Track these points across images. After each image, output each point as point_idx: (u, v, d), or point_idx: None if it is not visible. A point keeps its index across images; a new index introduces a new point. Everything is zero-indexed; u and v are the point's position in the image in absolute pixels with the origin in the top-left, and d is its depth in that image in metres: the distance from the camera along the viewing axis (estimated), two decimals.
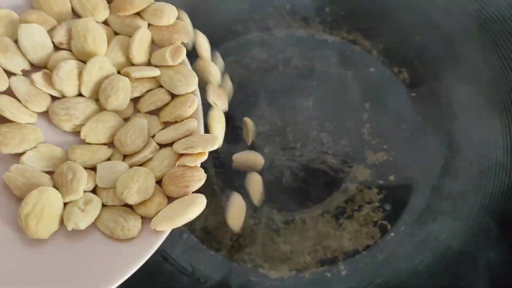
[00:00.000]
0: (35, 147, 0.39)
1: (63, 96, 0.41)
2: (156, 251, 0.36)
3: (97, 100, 0.41)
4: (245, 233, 0.51)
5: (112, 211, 0.37)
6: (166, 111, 0.42)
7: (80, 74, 0.40)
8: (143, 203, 0.37)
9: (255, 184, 0.50)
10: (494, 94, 0.53)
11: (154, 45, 0.44)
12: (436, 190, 0.52)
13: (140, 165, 0.39)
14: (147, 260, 0.36)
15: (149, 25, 0.44)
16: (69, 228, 0.36)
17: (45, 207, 0.35)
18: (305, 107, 0.56)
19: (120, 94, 0.40)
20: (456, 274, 0.46)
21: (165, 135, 0.40)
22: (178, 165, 0.38)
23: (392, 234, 0.51)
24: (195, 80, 0.42)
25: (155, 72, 0.42)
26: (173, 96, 0.43)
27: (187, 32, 0.44)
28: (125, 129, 0.40)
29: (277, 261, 0.50)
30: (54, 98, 0.41)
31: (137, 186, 0.37)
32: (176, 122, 0.41)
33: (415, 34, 0.58)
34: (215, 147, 0.38)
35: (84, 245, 0.36)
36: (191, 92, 0.42)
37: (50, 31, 0.42)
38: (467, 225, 0.48)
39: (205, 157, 0.38)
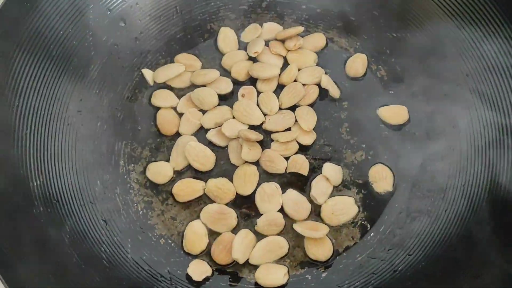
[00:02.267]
0: None
1: None
2: None
3: None
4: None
5: None
6: None
7: None
8: None
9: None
10: (470, 87, 0.52)
11: None
12: (415, 189, 0.51)
13: None
14: None
15: None
16: None
17: None
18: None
19: None
20: (437, 274, 0.45)
21: None
22: None
23: (372, 234, 0.50)
24: None
25: None
26: None
27: None
28: None
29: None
30: None
31: None
32: None
33: (391, 31, 0.57)
34: None
35: None
36: None
37: None
38: (447, 224, 0.48)
39: None
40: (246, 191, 0.51)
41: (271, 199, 0.51)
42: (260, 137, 0.51)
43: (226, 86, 0.56)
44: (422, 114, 0.54)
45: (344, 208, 0.50)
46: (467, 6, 0.52)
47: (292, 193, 0.51)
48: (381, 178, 0.52)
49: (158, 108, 0.56)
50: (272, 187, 0.51)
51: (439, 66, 0.54)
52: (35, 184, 0.47)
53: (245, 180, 0.51)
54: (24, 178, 0.46)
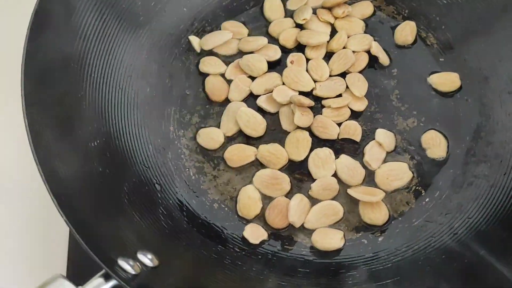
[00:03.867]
0: None
1: None
2: None
3: None
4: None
5: None
6: None
7: None
8: None
9: None
10: None
11: None
12: (470, 154, 0.51)
13: None
14: None
15: None
16: None
17: None
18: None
19: None
20: (500, 238, 0.45)
21: None
22: None
23: (427, 199, 0.50)
24: None
25: None
26: None
27: None
28: None
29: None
30: None
31: None
32: None
33: None
34: None
35: None
36: None
37: None
38: (507, 187, 0.47)
39: None
40: (299, 157, 0.51)
41: (324, 164, 0.50)
42: (312, 102, 0.51)
43: (274, 53, 0.56)
44: (474, 81, 0.54)
45: (399, 174, 0.50)
46: None
47: (345, 158, 0.51)
48: (434, 144, 0.51)
49: (206, 75, 0.55)
50: (326, 152, 0.51)
51: (492, 32, 0.53)
52: (93, 145, 0.46)
53: (297, 146, 0.51)
54: (84, 139, 0.46)
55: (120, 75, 0.51)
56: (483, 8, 0.54)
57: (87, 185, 0.44)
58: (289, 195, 0.50)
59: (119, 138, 0.49)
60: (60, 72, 0.46)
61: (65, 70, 0.47)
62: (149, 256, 0.41)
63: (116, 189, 0.46)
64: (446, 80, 0.54)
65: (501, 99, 0.52)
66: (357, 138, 0.52)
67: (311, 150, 0.51)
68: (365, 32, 0.57)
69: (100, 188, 0.44)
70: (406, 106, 0.54)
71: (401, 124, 0.53)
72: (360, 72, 0.55)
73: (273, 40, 0.57)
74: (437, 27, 0.57)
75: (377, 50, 0.55)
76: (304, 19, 0.56)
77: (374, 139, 0.52)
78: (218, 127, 0.53)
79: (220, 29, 0.58)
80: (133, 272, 0.38)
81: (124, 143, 0.49)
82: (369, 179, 0.50)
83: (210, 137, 0.52)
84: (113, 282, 0.37)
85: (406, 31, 0.56)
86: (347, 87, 0.54)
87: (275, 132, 0.53)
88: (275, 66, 0.56)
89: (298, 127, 0.52)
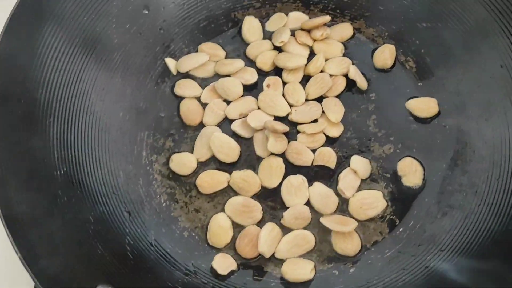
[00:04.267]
0: None
1: None
2: None
3: None
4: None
5: None
6: None
7: None
8: None
9: None
10: (503, 83, 0.50)
11: None
12: (446, 183, 0.50)
13: None
14: None
15: None
16: None
17: None
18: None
19: None
20: (471, 271, 0.44)
21: None
22: None
23: (401, 229, 0.49)
24: None
25: None
26: None
27: None
28: None
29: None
30: None
31: None
32: None
33: (422, 21, 0.55)
34: None
35: None
36: None
37: None
38: (481, 219, 0.46)
39: None
40: (272, 184, 0.50)
41: (297, 192, 0.49)
42: (286, 128, 0.50)
43: (250, 77, 0.55)
44: (452, 106, 0.53)
45: (373, 202, 0.49)
46: None
47: (319, 186, 0.50)
48: (410, 172, 0.51)
49: (181, 98, 0.55)
50: (299, 179, 0.50)
51: (471, 57, 0.52)
52: (59, 173, 0.46)
53: (271, 173, 0.50)
54: (48, 167, 0.45)
55: (91, 100, 0.51)
56: (463, 33, 0.53)
57: (49, 215, 0.43)
58: (261, 223, 0.49)
59: (87, 165, 0.49)
60: (25, 97, 0.46)
61: (31, 93, 0.46)
62: None
63: (81, 219, 0.45)
64: (424, 106, 0.53)
65: (478, 127, 0.51)
66: (332, 165, 0.51)
67: (284, 176, 0.50)
68: (344, 55, 0.57)
69: (64, 218, 0.44)
70: (383, 132, 0.53)
71: (377, 151, 0.52)
72: (338, 96, 0.55)
73: (251, 62, 0.56)
74: (416, 51, 0.56)
75: (355, 74, 0.54)
76: (281, 42, 0.56)
77: (349, 166, 0.51)
78: (192, 152, 0.52)
79: (197, 51, 0.57)
80: None
81: (93, 170, 0.49)
82: (343, 207, 0.50)
83: (183, 162, 0.51)
84: None
85: (385, 55, 0.56)
86: (323, 112, 0.53)
87: (250, 158, 0.52)
88: (252, 89, 0.55)
89: (272, 153, 0.51)
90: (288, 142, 0.51)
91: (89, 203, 0.47)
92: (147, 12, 0.55)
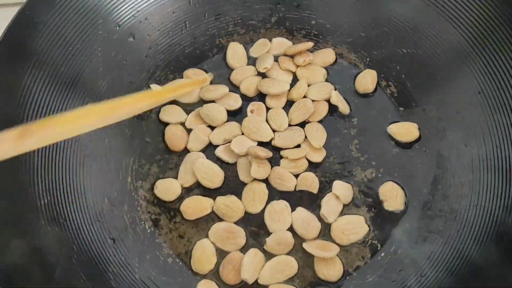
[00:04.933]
0: None
1: None
2: None
3: None
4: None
5: None
6: None
7: None
8: None
9: None
10: (481, 109, 0.51)
11: None
12: (426, 208, 0.50)
13: None
14: None
15: None
16: None
17: None
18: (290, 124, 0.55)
19: None
20: None
21: None
22: None
23: (382, 254, 0.49)
24: None
25: None
26: None
27: None
28: None
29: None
30: None
31: None
32: None
33: (402, 47, 0.56)
34: None
35: None
36: None
37: None
38: (460, 244, 0.47)
39: None
40: (255, 209, 0.51)
41: (280, 218, 0.50)
42: (269, 154, 0.51)
43: (235, 102, 0.56)
44: (433, 132, 0.54)
45: (355, 227, 0.50)
46: (479, 23, 0.52)
47: (301, 211, 0.51)
48: (392, 197, 0.51)
49: (166, 124, 0.55)
50: (282, 205, 0.51)
51: (450, 83, 0.54)
52: (42, 202, 0.46)
53: (254, 198, 0.51)
54: (32, 197, 0.46)
55: None
56: (441, 59, 0.54)
57: (32, 247, 0.43)
58: (244, 249, 0.49)
59: (72, 193, 0.49)
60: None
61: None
62: None
63: (65, 249, 0.45)
64: (405, 130, 0.54)
65: (458, 152, 0.52)
66: (314, 190, 0.52)
67: (268, 202, 0.51)
68: (326, 80, 0.58)
69: (47, 249, 0.44)
70: (366, 157, 0.54)
71: (359, 175, 0.53)
72: (320, 121, 0.55)
73: (235, 88, 0.57)
74: (397, 76, 0.57)
75: (337, 99, 0.55)
76: (265, 68, 0.57)
77: (331, 190, 0.51)
78: (177, 177, 0.53)
79: (182, 77, 0.58)
80: None
81: (77, 198, 0.49)
82: (326, 232, 0.50)
83: (167, 188, 0.52)
84: None
85: (367, 80, 0.57)
86: (306, 137, 0.54)
87: (234, 183, 0.53)
88: (236, 114, 0.56)
89: (255, 179, 0.52)
90: (272, 167, 0.52)
91: (72, 231, 0.47)
92: (132, 40, 0.56)
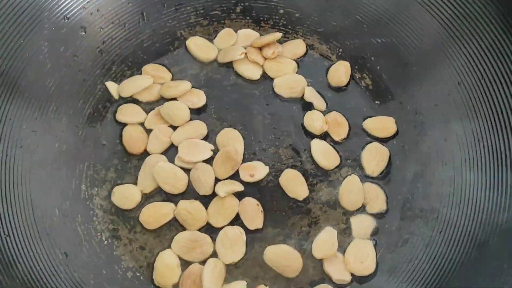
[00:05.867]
0: None
1: None
2: None
3: None
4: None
5: None
6: None
7: None
8: None
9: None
10: (460, 101, 0.48)
11: None
12: (406, 207, 0.47)
13: None
14: None
15: None
16: None
17: None
18: (261, 119, 0.51)
19: None
20: None
21: None
22: None
23: None
24: None
25: None
26: None
27: None
28: None
29: None
30: None
31: None
32: None
33: (377, 36, 0.53)
34: None
35: None
36: None
37: None
38: (442, 247, 0.44)
39: None
40: (216, 224, 0.47)
41: (233, 246, 0.46)
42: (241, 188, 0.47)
43: (198, 99, 0.52)
44: (411, 126, 0.50)
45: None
46: (458, 10, 0.48)
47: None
48: (372, 198, 0.48)
49: (124, 125, 0.51)
50: (236, 231, 0.46)
51: (428, 74, 0.50)
52: None
53: (219, 212, 0.47)
54: None
55: (21, 132, 0.46)
56: (419, 49, 0.51)
57: None
58: (212, 256, 0.45)
59: (17, 206, 0.44)
60: None
61: None
62: None
63: (7, 269, 0.41)
64: (382, 126, 0.51)
65: (438, 146, 0.48)
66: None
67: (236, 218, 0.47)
68: (297, 73, 0.54)
69: None
70: (340, 154, 0.50)
71: (334, 175, 0.49)
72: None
73: (200, 83, 0.53)
74: (372, 67, 0.53)
75: (311, 95, 0.51)
76: (242, 53, 0.53)
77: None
78: (136, 183, 0.48)
79: (140, 73, 0.53)
80: None
81: (23, 210, 0.44)
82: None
83: (125, 196, 0.47)
84: None
85: (340, 72, 0.53)
86: None
87: None
88: (200, 113, 0.52)
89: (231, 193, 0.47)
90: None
91: (17, 248, 0.42)
92: (84, 33, 0.51)
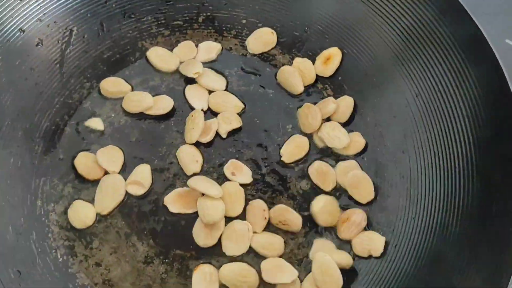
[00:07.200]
0: None
1: None
2: None
3: None
4: (156, 282, 0.45)
5: None
6: None
7: None
8: None
9: None
10: (418, 113, 0.48)
11: None
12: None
13: None
14: None
15: None
16: None
17: None
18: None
19: None
20: None
21: None
22: None
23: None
24: None
25: None
26: None
27: None
28: None
29: None
30: None
31: None
32: None
33: (338, 47, 0.53)
34: None
35: None
36: None
37: None
38: (398, 261, 0.44)
39: None
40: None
41: (238, 240, 0.45)
42: None
43: (166, 105, 0.51)
44: (371, 137, 0.50)
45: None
46: (416, 22, 0.48)
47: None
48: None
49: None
50: (244, 227, 0.46)
51: (386, 85, 0.50)
52: None
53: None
54: None
55: None
56: (377, 60, 0.51)
57: None
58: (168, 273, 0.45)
59: None
60: None
61: None
62: None
63: None
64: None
65: (396, 159, 0.48)
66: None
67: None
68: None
69: None
70: (300, 166, 0.50)
71: (293, 187, 0.49)
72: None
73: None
74: (334, 77, 0.53)
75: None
76: (196, 73, 0.52)
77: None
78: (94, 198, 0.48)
79: (98, 86, 0.52)
80: None
81: None
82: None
83: (79, 217, 0.47)
84: None
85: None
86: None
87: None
88: (168, 118, 0.51)
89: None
90: None
91: None
92: (40, 46, 0.51)
